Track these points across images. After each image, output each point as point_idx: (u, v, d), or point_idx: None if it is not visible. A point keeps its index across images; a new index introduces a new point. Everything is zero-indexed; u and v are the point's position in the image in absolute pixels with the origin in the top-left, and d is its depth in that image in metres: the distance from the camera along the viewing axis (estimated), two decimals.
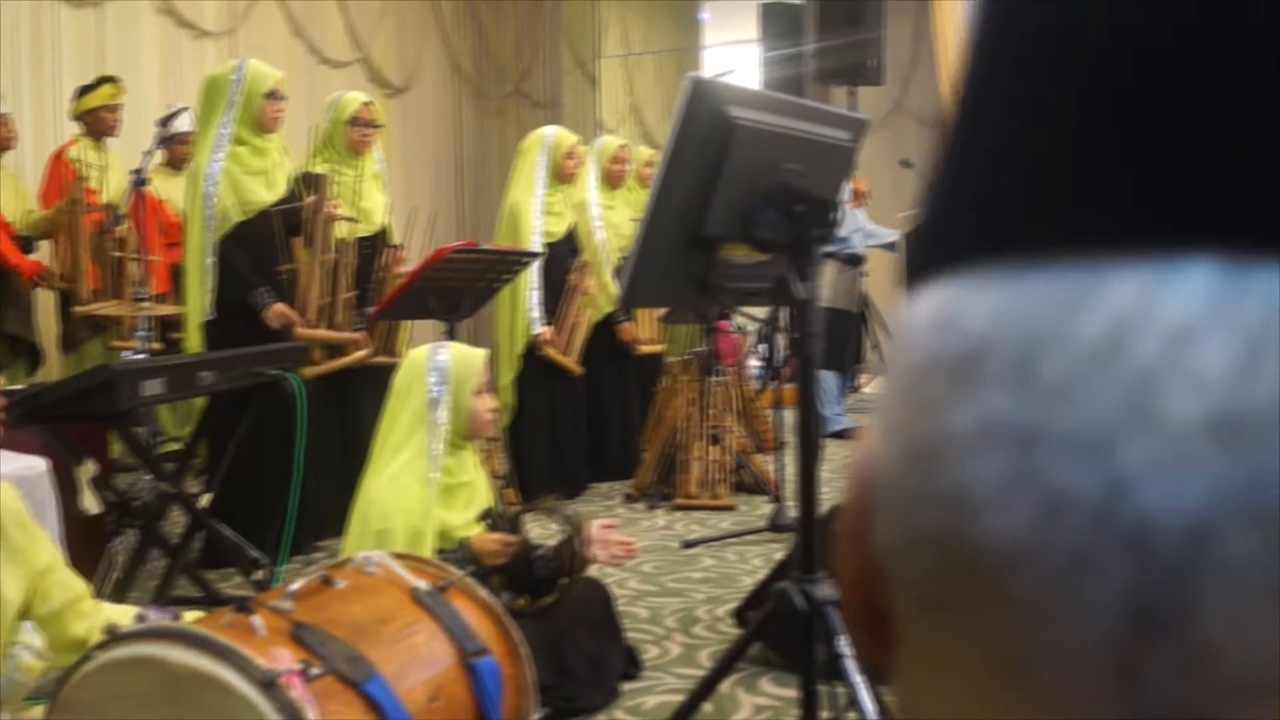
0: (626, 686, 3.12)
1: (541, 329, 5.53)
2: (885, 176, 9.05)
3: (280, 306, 4.38)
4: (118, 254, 5.31)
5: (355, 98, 4.95)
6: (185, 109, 5.36)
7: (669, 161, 1.98)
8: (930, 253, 0.32)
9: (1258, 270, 0.27)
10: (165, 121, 5.05)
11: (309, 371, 4.22)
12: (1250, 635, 0.26)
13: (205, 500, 3.78)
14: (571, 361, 5.67)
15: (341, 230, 4.58)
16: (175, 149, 6.10)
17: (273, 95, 4.52)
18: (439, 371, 2.90)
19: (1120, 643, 0.27)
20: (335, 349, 4.57)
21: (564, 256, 5.67)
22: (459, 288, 4.37)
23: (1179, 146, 0.28)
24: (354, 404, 4.64)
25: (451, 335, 4.21)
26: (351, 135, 4.83)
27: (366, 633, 2.03)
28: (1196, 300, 0.27)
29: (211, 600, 3.55)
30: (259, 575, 3.67)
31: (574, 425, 5.78)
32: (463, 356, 2.97)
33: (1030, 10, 0.31)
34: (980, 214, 0.31)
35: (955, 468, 0.29)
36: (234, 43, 7.58)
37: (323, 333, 4.46)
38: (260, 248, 4.42)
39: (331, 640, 1.95)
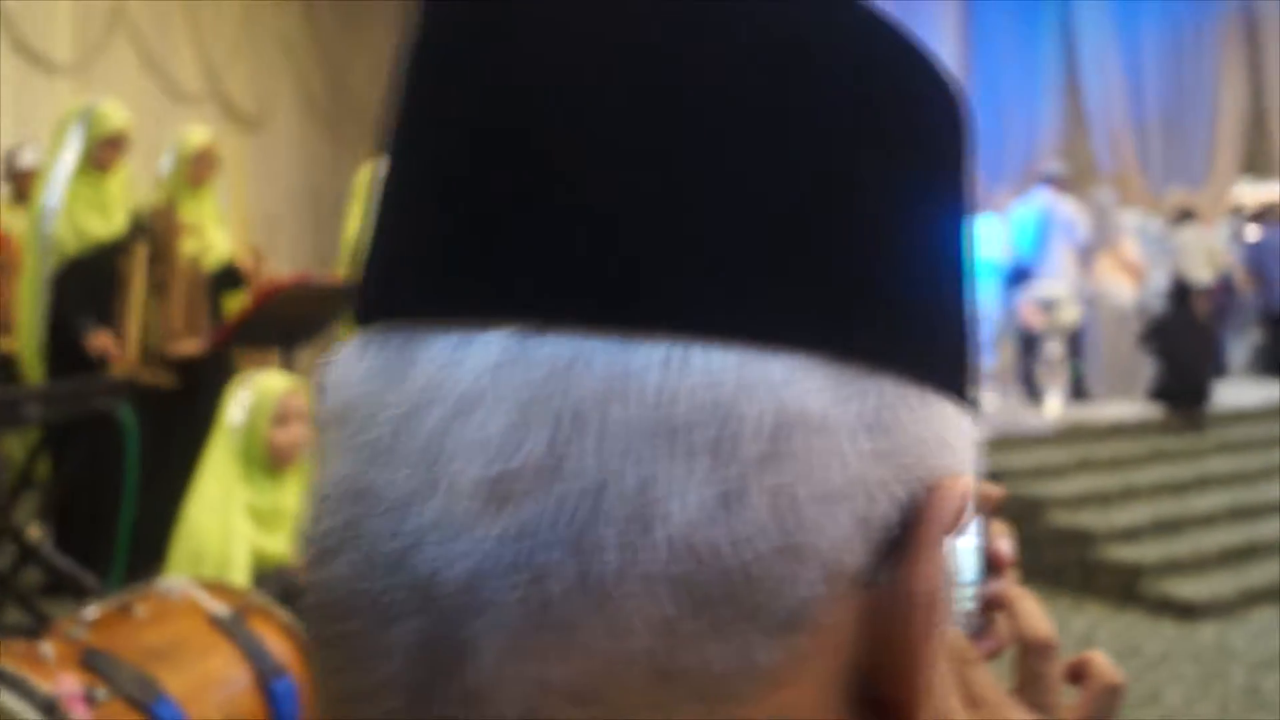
0: None
1: None
2: None
3: (102, 337, 4.42)
4: None
5: (197, 133, 5.00)
6: (31, 145, 5.35)
7: None
8: (354, 313, 0.36)
9: (543, 339, 0.30)
10: (12, 157, 5.07)
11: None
12: (517, 679, 0.29)
13: (35, 530, 3.79)
14: None
15: (191, 247, 4.64)
16: (22, 184, 6.06)
17: (113, 141, 4.59)
18: (243, 399, 2.98)
19: (413, 685, 0.30)
20: (185, 367, 4.62)
21: None
22: (296, 318, 4.45)
23: (484, 225, 0.31)
24: (198, 431, 4.67)
25: (289, 365, 4.28)
26: (192, 170, 4.88)
27: (160, 657, 2.12)
28: (484, 368, 0.30)
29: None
30: (93, 604, 3.69)
31: None
32: (263, 384, 3.03)
33: (405, 100, 0.34)
34: (366, 282, 0.35)
35: (321, 518, 0.32)
36: (88, 78, 7.52)
37: (133, 364, 4.50)
38: (95, 280, 4.46)
39: (122, 665, 2.03)
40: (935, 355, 0.36)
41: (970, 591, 0.58)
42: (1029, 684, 0.61)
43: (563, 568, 0.29)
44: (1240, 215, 12.61)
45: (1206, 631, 5.58)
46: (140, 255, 4.50)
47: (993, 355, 9.19)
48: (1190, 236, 10.51)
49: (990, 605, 0.59)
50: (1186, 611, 5.79)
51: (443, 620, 0.29)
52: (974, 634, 0.58)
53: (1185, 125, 12.27)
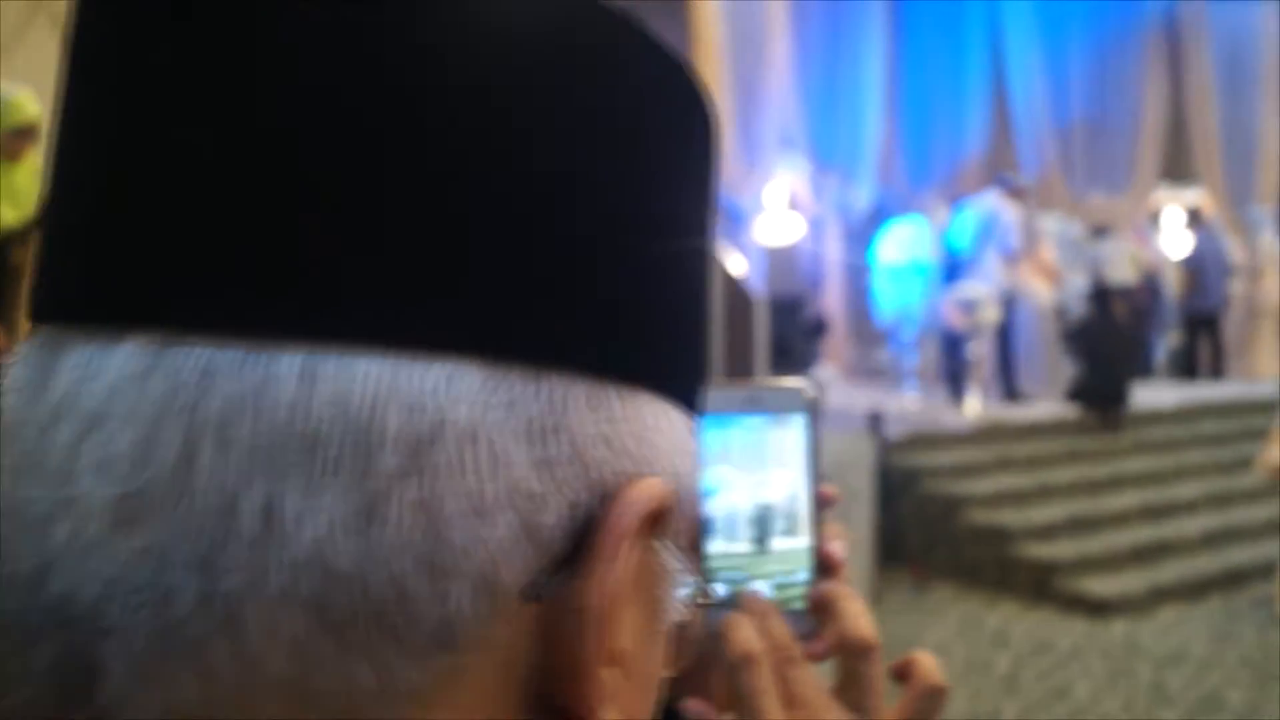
0: None
1: None
2: None
3: None
4: None
5: (25, 104, 4.65)
6: None
7: None
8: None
9: (178, 350, 0.29)
10: None
11: None
12: (146, 703, 0.28)
13: None
14: None
15: None
16: None
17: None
18: None
19: (48, 709, 0.29)
20: None
21: None
22: None
23: (124, 228, 0.30)
24: None
25: None
26: (10, 143, 4.58)
27: None
28: (116, 381, 0.29)
29: None
30: None
31: None
32: None
33: (61, 97, 0.33)
34: (33, 281, 0.33)
35: None
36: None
37: None
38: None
39: None
40: (636, 355, 0.35)
41: (800, 592, 0.63)
42: (849, 684, 0.61)
43: (188, 588, 0.28)
44: (1160, 220, 12.92)
45: (1116, 628, 5.71)
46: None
47: (916, 355, 9.32)
48: (1112, 241, 10.75)
49: (818, 606, 0.62)
50: (1098, 608, 5.92)
51: (74, 643, 0.28)
52: (804, 634, 0.63)
53: (1108, 132, 12.51)
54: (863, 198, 11.16)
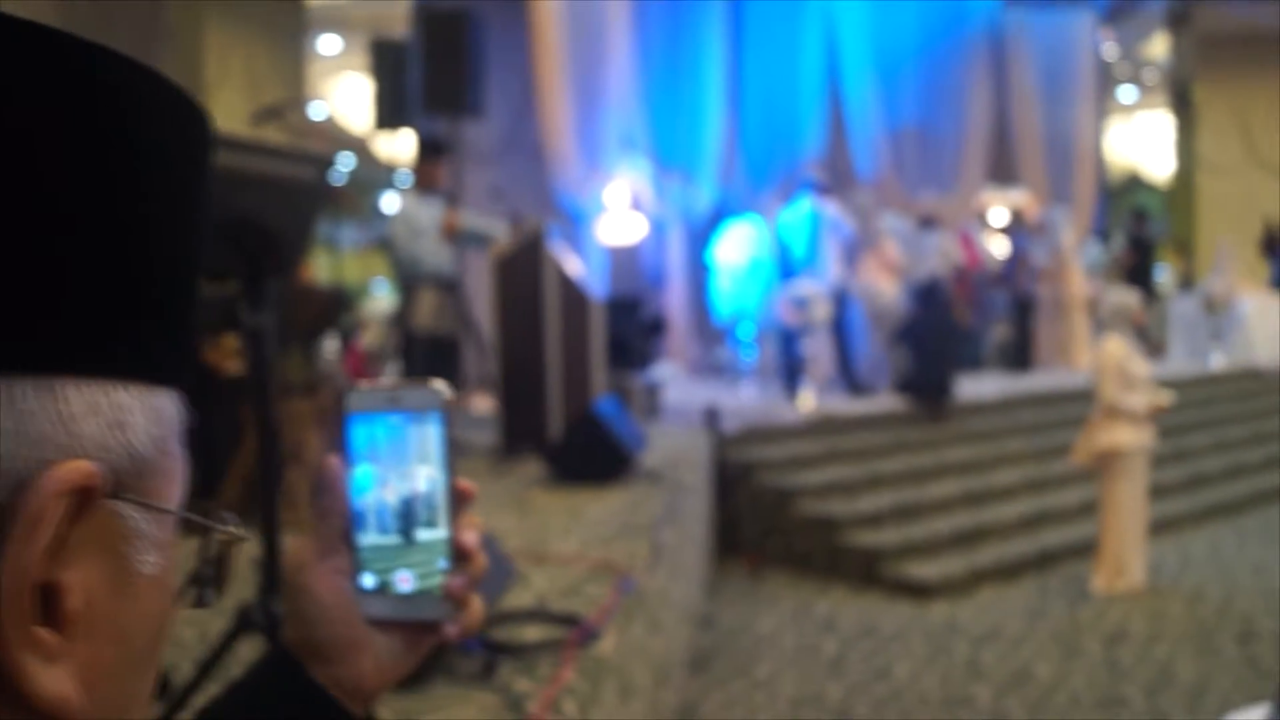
0: None
1: None
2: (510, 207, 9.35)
3: None
4: None
5: None
6: None
7: None
8: None
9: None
10: None
11: None
12: None
13: None
14: None
15: None
16: None
17: None
18: None
19: None
20: None
21: None
22: None
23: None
24: None
25: None
26: None
27: None
28: None
29: None
30: None
31: None
32: None
33: None
34: None
35: None
36: None
37: None
38: None
39: None
40: (52, 347, 0.38)
41: (438, 581, 0.67)
42: None
43: None
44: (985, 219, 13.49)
45: (937, 610, 5.97)
46: None
47: (755, 352, 9.55)
48: (934, 238, 11.17)
49: (451, 593, 0.67)
50: (921, 592, 6.18)
51: None
52: (441, 618, 0.68)
53: (938, 134, 13.00)
54: (703, 198, 11.37)
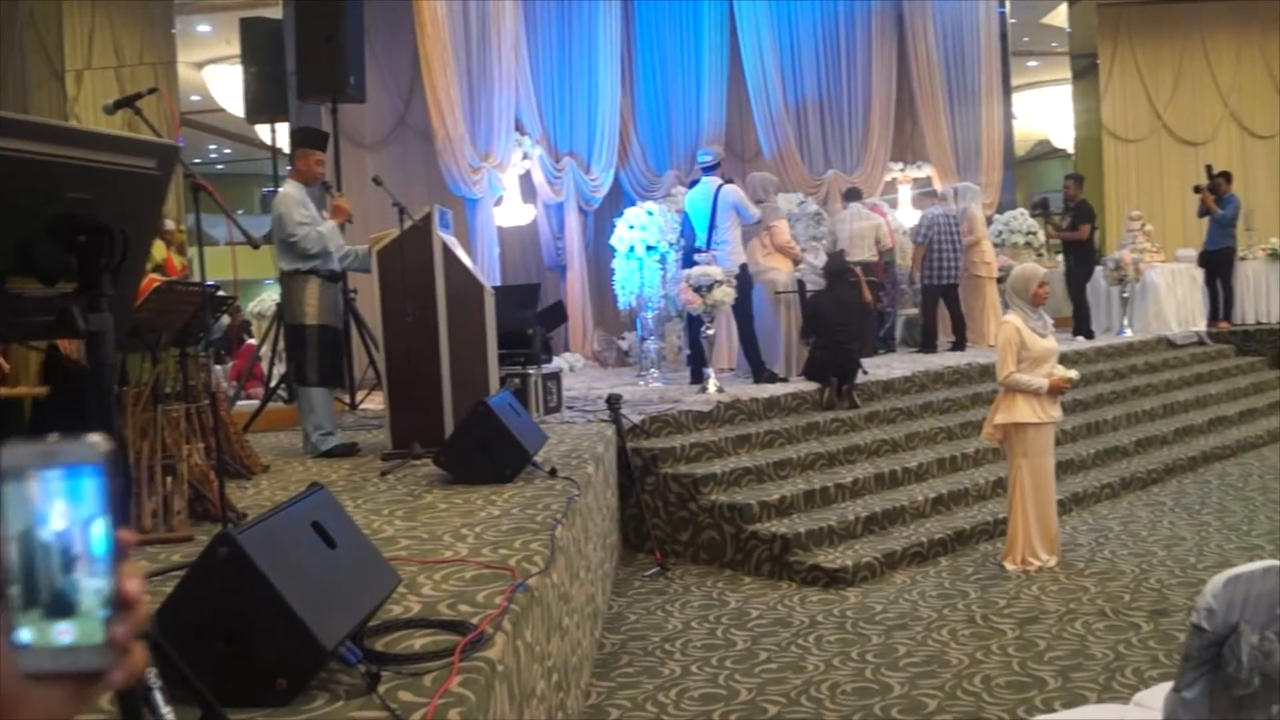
0: None
1: None
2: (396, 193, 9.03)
3: None
4: None
5: None
6: None
7: None
8: None
9: None
10: None
11: None
12: None
13: None
14: None
15: None
16: None
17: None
18: None
19: None
20: None
21: None
22: None
23: None
24: None
25: None
26: None
27: None
28: None
29: None
30: None
31: None
32: None
33: None
34: None
35: None
36: None
37: None
38: None
39: None
40: None
41: (100, 629, 0.68)
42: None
43: None
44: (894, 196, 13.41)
45: (850, 597, 5.84)
46: None
47: (658, 339, 9.35)
48: (850, 217, 11.05)
49: (115, 642, 0.68)
50: (833, 580, 6.03)
51: None
52: (104, 668, 0.69)
53: (841, 112, 12.92)
54: (601, 182, 11.14)
